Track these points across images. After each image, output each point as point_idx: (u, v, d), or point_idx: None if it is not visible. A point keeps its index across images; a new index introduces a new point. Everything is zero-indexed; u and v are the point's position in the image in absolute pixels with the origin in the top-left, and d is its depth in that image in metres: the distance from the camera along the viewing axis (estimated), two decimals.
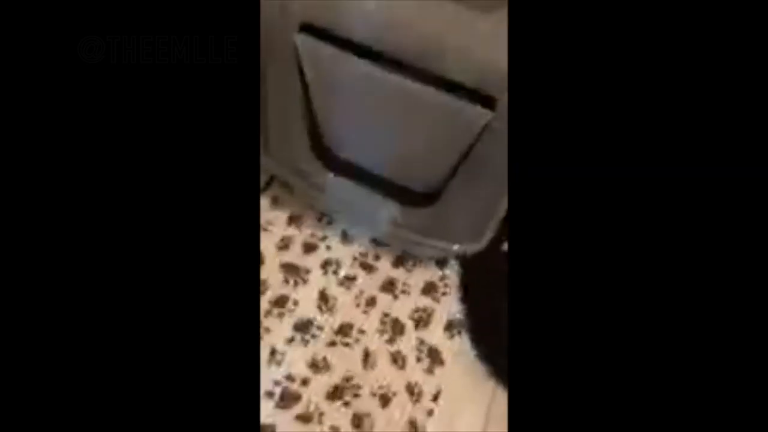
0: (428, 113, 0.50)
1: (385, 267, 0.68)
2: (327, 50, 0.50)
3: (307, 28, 0.50)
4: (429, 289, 0.67)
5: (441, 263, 0.69)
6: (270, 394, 0.59)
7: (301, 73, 0.53)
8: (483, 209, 0.57)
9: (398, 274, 0.68)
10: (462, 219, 0.59)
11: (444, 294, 0.67)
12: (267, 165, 0.67)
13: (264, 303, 0.65)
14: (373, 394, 0.60)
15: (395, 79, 0.48)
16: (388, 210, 0.61)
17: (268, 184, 0.72)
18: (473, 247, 0.61)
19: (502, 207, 0.57)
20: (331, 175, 0.61)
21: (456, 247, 0.61)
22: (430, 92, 0.48)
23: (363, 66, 0.49)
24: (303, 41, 0.51)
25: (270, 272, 0.67)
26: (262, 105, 0.59)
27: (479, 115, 0.47)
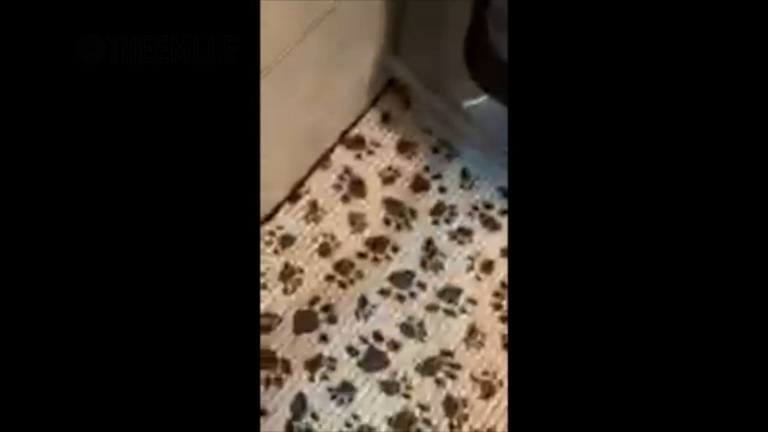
0: None
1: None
2: None
3: None
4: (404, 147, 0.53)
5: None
6: (353, 351, 0.49)
7: None
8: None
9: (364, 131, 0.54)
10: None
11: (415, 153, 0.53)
12: (393, 66, 0.53)
13: (359, 242, 0.53)
14: (474, 379, 0.49)
15: None
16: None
17: (382, 92, 0.58)
18: None
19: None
20: (484, 97, 0.46)
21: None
22: None
23: None
24: None
25: (370, 206, 0.55)
26: None
27: None
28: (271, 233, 0.54)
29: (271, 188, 0.54)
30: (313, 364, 0.49)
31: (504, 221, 0.55)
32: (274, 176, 0.51)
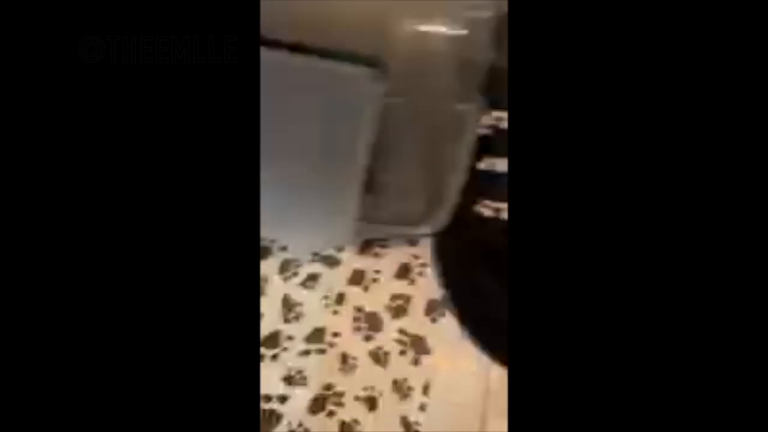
0: (317, 89, 0.42)
1: (349, 258, 0.62)
2: None
3: None
4: (402, 272, 0.61)
5: (412, 241, 0.62)
6: None
7: None
8: (425, 192, 0.50)
9: (366, 263, 0.61)
10: (406, 203, 0.52)
11: (420, 275, 0.61)
12: None
13: None
14: (358, 399, 0.55)
15: (274, 56, 0.40)
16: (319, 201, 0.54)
17: None
18: (432, 227, 0.55)
19: (448, 185, 0.50)
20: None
21: (414, 228, 0.55)
22: (314, 64, 0.40)
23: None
24: None
25: None
26: None
27: (369, 86, 0.39)
28: None
29: None
30: None
31: (342, 255, 0.62)
32: None
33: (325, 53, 0.39)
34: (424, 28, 0.36)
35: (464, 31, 0.38)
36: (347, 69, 0.39)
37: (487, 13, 0.49)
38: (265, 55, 0.39)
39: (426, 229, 0.57)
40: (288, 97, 0.43)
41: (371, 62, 0.38)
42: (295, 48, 0.39)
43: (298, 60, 0.40)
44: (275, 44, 0.39)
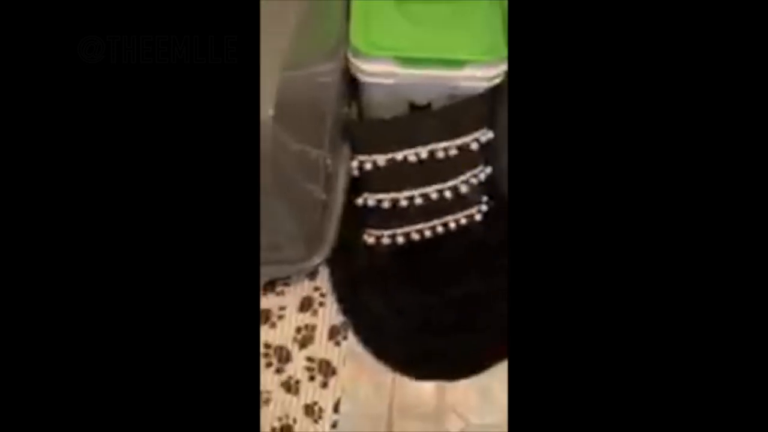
0: None
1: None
2: None
3: None
4: (306, 305, 0.67)
5: (311, 275, 0.68)
6: None
7: None
8: (303, 231, 0.56)
9: (271, 302, 0.67)
10: (285, 241, 0.58)
11: (321, 304, 0.67)
12: None
13: None
14: (274, 430, 0.59)
15: None
16: None
17: None
18: (317, 259, 0.62)
19: (326, 221, 0.55)
20: None
21: (302, 264, 0.61)
22: None
23: None
24: None
25: None
26: None
27: None
28: None
29: None
30: None
31: None
32: None
33: None
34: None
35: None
36: None
37: (332, 77, 0.58)
38: None
39: (313, 262, 0.63)
40: None
41: None
42: None
43: None
44: None
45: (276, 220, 0.54)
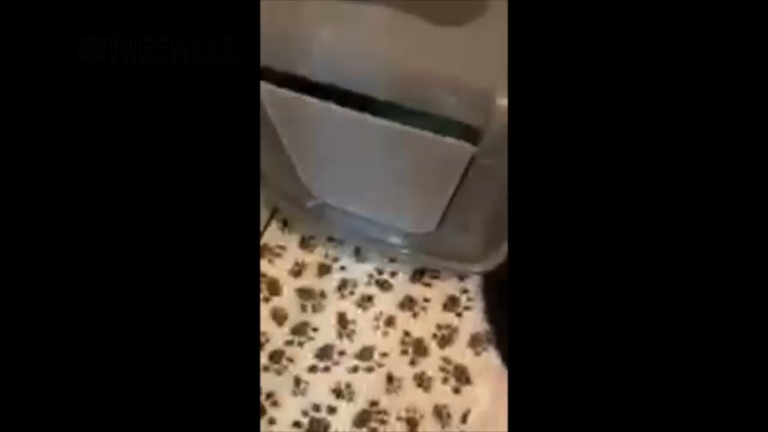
0: (408, 152, 0.46)
1: (402, 284, 0.66)
2: (289, 96, 0.45)
3: (268, 74, 0.44)
4: (450, 304, 0.65)
5: (462, 276, 0.66)
6: (298, 424, 0.59)
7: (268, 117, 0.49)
8: (486, 235, 0.53)
9: (416, 290, 0.66)
10: (467, 245, 0.55)
11: (467, 308, 0.64)
12: (267, 197, 0.65)
13: (285, 331, 0.64)
14: (400, 419, 0.59)
15: (365, 119, 0.43)
16: (390, 236, 0.58)
17: (276, 209, 0.71)
18: (488, 266, 0.58)
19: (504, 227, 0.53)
20: (327, 205, 0.59)
21: (472, 267, 0.58)
22: (405, 131, 0.43)
23: (328, 108, 0.44)
24: (263, 89, 0.45)
25: (287, 299, 0.66)
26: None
27: (463, 150, 0.42)
28: None
29: None
30: None
31: (394, 281, 0.67)
32: None
33: (416, 115, 0.41)
34: None
35: None
36: (439, 141, 0.42)
37: None
38: (355, 117, 0.42)
39: (478, 268, 0.60)
40: (375, 156, 0.48)
41: (466, 129, 0.41)
42: (387, 108, 0.42)
43: (390, 126, 0.43)
44: (366, 102, 0.43)
45: (472, 230, 0.51)
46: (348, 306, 0.65)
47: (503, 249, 0.58)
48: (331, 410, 0.60)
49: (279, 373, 0.62)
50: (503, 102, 0.38)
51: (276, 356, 0.63)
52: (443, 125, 0.42)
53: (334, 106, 0.44)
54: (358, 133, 0.46)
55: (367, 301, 0.65)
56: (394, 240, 0.59)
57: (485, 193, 0.47)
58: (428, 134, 0.43)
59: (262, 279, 0.67)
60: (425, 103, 0.41)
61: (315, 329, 0.64)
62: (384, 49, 0.41)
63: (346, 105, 0.44)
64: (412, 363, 0.61)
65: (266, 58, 0.45)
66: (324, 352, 0.63)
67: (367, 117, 0.44)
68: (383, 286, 0.66)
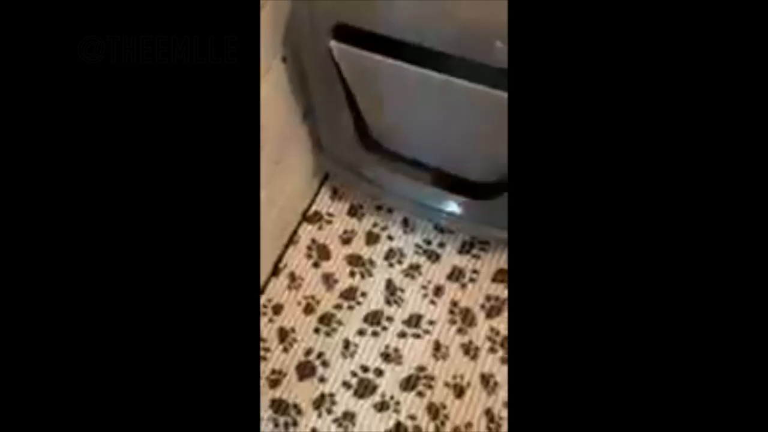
0: (475, 108, 0.47)
1: (450, 255, 0.66)
2: (363, 54, 0.48)
3: (341, 31, 0.48)
4: (499, 276, 0.65)
5: None
6: (347, 385, 0.61)
7: (341, 76, 0.51)
8: None
9: (464, 261, 0.66)
10: None
11: None
12: (322, 162, 0.67)
13: (335, 295, 0.66)
14: (447, 385, 0.60)
15: (437, 76, 0.45)
16: (448, 203, 0.58)
17: (326, 177, 0.72)
18: None
19: None
20: (384, 170, 0.59)
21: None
22: (473, 87, 0.44)
23: (402, 66, 0.46)
24: (338, 47, 0.48)
25: (336, 265, 0.67)
26: (311, 101, 0.58)
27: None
28: (264, 306, 0.66)
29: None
30: (317, 403, 0.61)
31: (441, 251, 0.67)
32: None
33: (486, 71, 0.43)
34: None
35: None
36: (504, 96, 0.43)
37: None
38: (429, 75, 0.44)
39: None
40: (447, 110, 0.50)
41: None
42: (459, 64, 0.44)
43: (460, 83, 0.45)
44: (439, 58, 0.44)
45: None
46: (396, 274, 0.66)
47: None
48: (379, 373, 0.61)
49: (328, 335, 0.64)
50: None
51: (326, 319, 0.65)
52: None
53: (405, 64, 0.46)
54: (431, 90, 0.47)
55: (415, 270, 0.66)
56: (451, 208, 0.59)
57: None
58: (494, 90, 0.43)
59: (311, 245, 0.69)
60: (487, 54, 0.41)
61: (363, 294, 0.65)
62: (451, 7, 0.43)
63: (418, 64, 0.46)
64: (460, 332, 0.62)
65: (339, 16, 0.46)
66: (373, 317, 0.64)
67: (440, 76, 0.45)
68: (431, 256, 0.67)
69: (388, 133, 0.58)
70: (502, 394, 0.59)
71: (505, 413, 0.57)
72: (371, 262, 0.67)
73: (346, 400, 0.60)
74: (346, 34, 0.48)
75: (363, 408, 0.60)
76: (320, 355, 0.63)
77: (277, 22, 0.54)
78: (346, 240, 0.69)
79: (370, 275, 0.66)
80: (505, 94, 0.43)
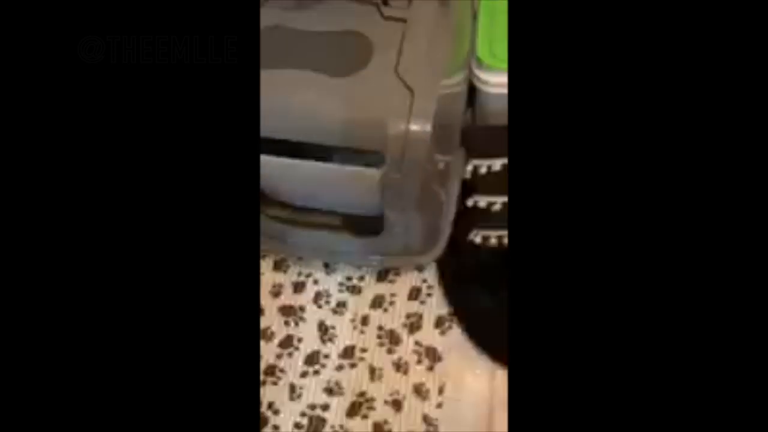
0: (338, 184, 0.57)
1: (370, 285, 0.74)
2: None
3: None
4: (414, 294, 0.73)
5: (419, 268, 0.74)
6: (299, 426, 0.66)
7: None
8: (424, 229, 0.62)
9: (383, 288, 0.74)
10: (410, 239, 0.64)
11: (429, 295, 0.73)
12: None
13: (274, 348, 0.72)
14: (386, 402, 0.67)
15: (298, 164, 0.56)
16: (345, 244, 0.67)
17: None
18: (432, 255, 0.67)
19: (442, 221, 0.63)
20: (283, 226, 0.68)
21: (422, 258, 0.68)
22: (330, 168, 0.55)
23: (280, 162, 0.56)
24: None
25: (271, 319, 0.74)
26: None
27: (372, 175, 0.53)
28: None
29: None
30: None
31: (363, 284, 0.75)
32: None
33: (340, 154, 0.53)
34: (412, 126, 0.48)
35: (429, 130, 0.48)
36: (354, 171, 0.53)
37: (461, 87, 0.62)
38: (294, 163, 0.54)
39: (429, 257, 0.69)
40: (319, 189, 0.60)
41: (376, 159, 0.52)
42: (317, 150, 0.54)
43: (320, 166, 0.55)
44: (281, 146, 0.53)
45: (412, 228, 0.60)
46: (326, 314, 0.73)
47: (439, 245, 0.68)
48: (325, 407, 0.67)
49: (275, 384, 0.69)
50: (394, 130, 0.48)
51: (270, 370, 0.70)
52: (374, 159, 0.52)
53: (285, 160, 0.55)
54: (302, 176, 0.57)
55: (341, 306, 0.73)
56: (345, 248, 0.68)
57: (405, 200, 0.56)
58: (344, 167, 0.54)
59: None
60: (350, 141, 0.51)
61: (300, 339, 0.72)
62: (305, 104, 0.52)
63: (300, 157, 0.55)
64: (389, 352, 0.70)
65: None
66: (312, 358, 0.70)
67: (298, 162, 0.55)
68: (354, 290, 0.75)
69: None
70: (434, 398, 0.66)
71: (437, 413, 0.65)
72: (302, 309, 0.74)
73: None
74: None
75: None
76: (270, 405, 0.68)
77: None
78: (276, 293, 0.75)
79: (303, 320, 0.73)
80: (350, 170, 0.53)
